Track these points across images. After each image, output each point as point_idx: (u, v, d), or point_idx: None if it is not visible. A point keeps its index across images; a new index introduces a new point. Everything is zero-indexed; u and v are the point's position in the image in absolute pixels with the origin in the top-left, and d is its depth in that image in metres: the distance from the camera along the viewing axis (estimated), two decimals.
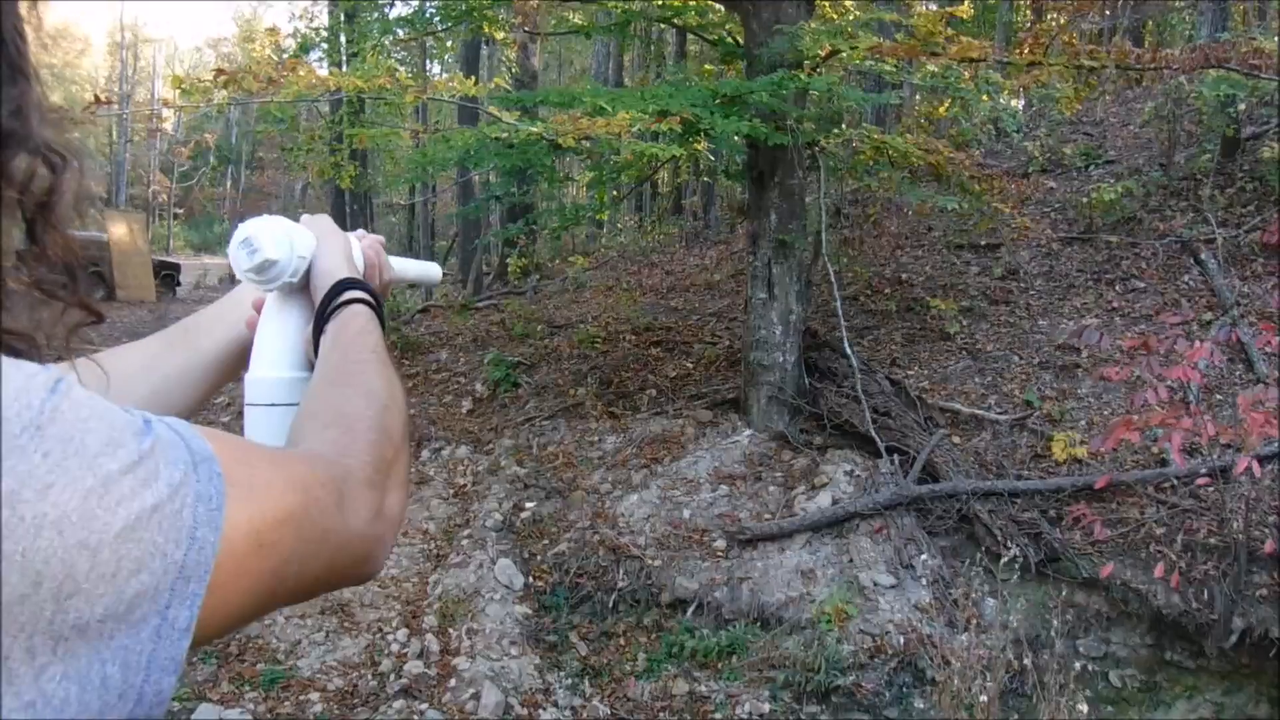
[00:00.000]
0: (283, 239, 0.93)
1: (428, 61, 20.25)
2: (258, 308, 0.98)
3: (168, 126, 42.53)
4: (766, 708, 5.39)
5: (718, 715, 5.35)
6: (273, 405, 0.92)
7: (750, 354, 7.79)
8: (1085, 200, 10.42)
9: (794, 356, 7.69)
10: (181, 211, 44.91)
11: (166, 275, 22.83)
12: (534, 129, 5.59)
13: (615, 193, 10.08)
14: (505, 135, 5.94)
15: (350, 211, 15.20)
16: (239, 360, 1.00)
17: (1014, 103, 11.55)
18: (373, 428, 0.76)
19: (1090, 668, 5.48)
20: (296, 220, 1.00)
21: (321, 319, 0.91)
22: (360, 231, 1.09)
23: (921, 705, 5.42)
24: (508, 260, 15.66)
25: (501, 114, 6.01)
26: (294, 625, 5.58)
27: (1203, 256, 8.96)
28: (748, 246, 8.13)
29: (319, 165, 9.57)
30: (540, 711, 5.23)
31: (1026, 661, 3.87)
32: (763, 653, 5.69)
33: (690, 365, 9.30)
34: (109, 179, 40.62)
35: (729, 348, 9.27)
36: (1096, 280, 9.24)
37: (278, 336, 0.95)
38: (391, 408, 0.80)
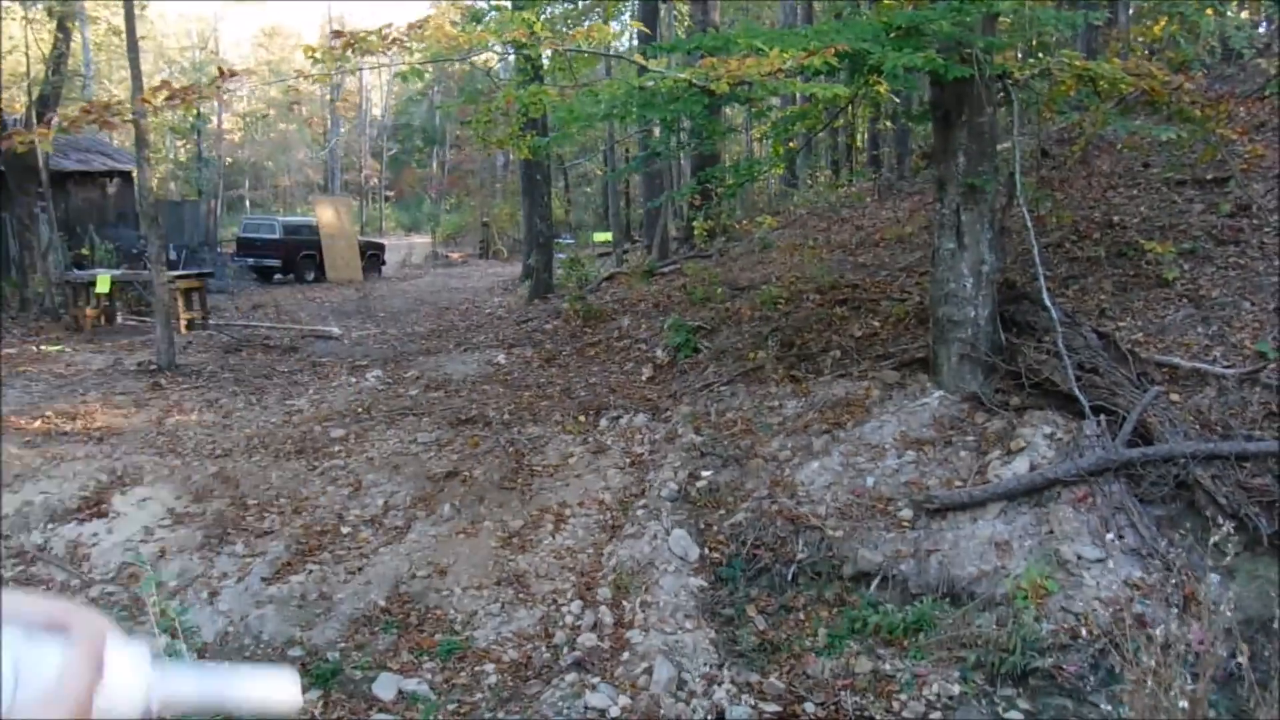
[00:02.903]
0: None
1: (609, 23, 20.27)
2: None
3: (376, 112, 45.08)
4: (956, 689, 5.00)
5: (903, 695, 5.01)
6: None
7: (939, 309, 7.27)
8: None
9: (987, 310, 7.11)
10: (392, 194, 47.63)
11: (372, 255, 24.16)
12: (681, 75, 5.32)
13: (791, 144, 9.64)
14: (652, 84, 5.69)
15: (534, 181, 15.46)
16: None
17: (1244, 15, 10.15)
18: None
19: None
20: None
21: None
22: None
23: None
24: (693, 223, 15.49)
25: (648, 63, 5.76)
26: (470, 596, 5.67)
27: None
28: (935, 193, 7.57)
29: (498, 137, 9.64)
30: (715, 687, 5.07)
31: (1242, 652, 3.35)
32: (952, 630, 5.30)
33: (877, 324, 8.84)
34: (324, 167, 43.63)
35: (919, 304, 8.73)
36: None
37: None
38: None
